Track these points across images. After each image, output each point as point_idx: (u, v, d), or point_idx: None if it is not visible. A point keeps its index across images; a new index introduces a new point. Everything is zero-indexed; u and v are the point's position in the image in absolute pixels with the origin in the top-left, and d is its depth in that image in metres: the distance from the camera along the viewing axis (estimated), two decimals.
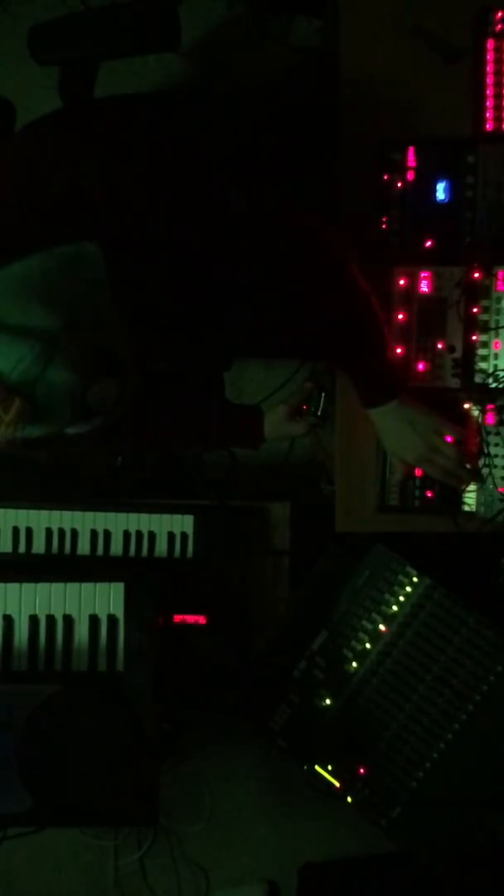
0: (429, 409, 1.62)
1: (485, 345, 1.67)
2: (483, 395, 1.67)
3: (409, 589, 1.72)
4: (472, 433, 1.66)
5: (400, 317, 1.68)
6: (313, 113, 2.01)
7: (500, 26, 1.63)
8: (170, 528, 1.89)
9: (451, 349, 1.68)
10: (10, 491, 2.26)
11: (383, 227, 1.68)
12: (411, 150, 1.66)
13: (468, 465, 1.65)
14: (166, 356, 1.35)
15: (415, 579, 1.72)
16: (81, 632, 1.69)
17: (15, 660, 1.69)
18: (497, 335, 1.66)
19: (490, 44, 1.64)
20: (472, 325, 1.67)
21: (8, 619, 1.70)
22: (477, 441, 1.66)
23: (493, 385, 1.66)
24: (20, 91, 1.88)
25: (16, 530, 1.89)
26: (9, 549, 1.89)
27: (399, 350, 1.71)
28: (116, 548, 1.89)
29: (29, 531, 1.90)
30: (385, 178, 1.67)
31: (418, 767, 1.70)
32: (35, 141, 1.44)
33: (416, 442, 1.62)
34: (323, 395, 1.75)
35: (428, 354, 1.70)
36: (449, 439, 1.63)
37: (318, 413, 1.77)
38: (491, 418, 1.67)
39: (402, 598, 1.73)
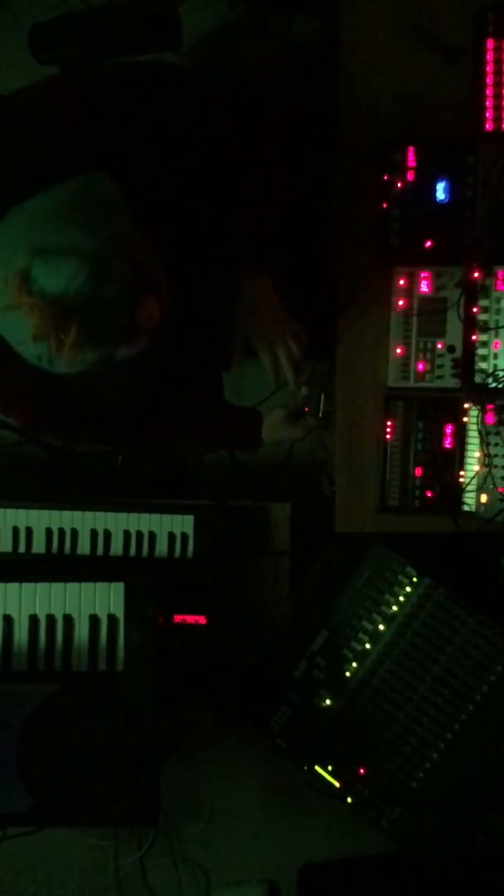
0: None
1: (485, 345, 1.67)
2: (483, 395, 1.67)
3: (409, 589, 1.72)
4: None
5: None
6: (313, 113, 2.01)
7: (500, 26, 1.63)
8: (170, 528, 1.88)
9: (451, 349, 1.68)
10: (10, 491, 2.26)
11: (383, 227, 1.68)
12: (411, 150, 1.66)
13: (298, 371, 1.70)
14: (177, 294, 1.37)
15: (415, 579, 1.72)
16: (81, 632, 1.69)
17: (15, 660, 1.69)
18: (497, 335, 1.66)
19: (490, 44, 1.64)
20: (472, 325, 1.67)
21: (8, 619, 1.70)
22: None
23: (493, 385, 1.66)
24: None
25: (16, 530, 1.89)
26: (9, 549, 1.89)
27: (399, 350, 1.71)
28: (116, 548, 1.88)
29: (29, 531, 1.89)
30: (385, 178, 1.67)
31: (418, 767, 1.71)
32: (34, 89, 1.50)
33: (273, 325, 1.67)
34: (322, 396, 1.75)
35: (428, 354, 1.70)
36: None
37: (319, 414, 1.76)
38: (491, 418, 1.67)
39: (402, 599, 1.73)
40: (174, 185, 1.48)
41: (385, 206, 1.67)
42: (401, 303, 1.68)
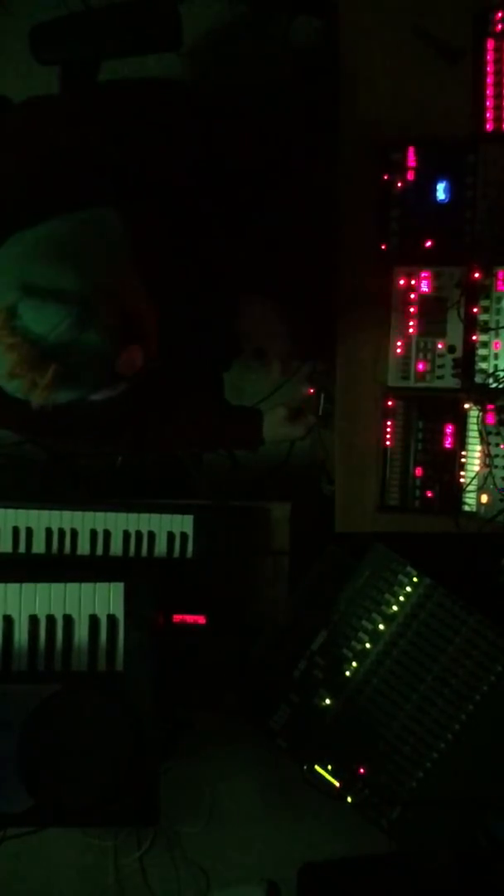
0: None
1: (485, 345, 1.67)
2: (483, 395, 1.67)
3: (409, 589, 1.72)
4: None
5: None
6: (313, 113, 2.01)
7: (500, 26, 1.63)
8: (170, 528, 1.88)
9: (451, 349, 1.68)
10: (10, 491, 2.26)
11: (383, 227, 1.68)
12: (411, 150, 1.66)
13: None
14: (177, 334, 1.36)
15: (415, 579, 1.72)
16: (81, 632, 1.69)
17: (15, 660, 1.69)
18: (497, 335, 1.66)
19: (490, 44, 1.64)
20: (472, 325, 1.67)
21: (8, 619, 1.70)
22: None
23: (493, 385, 1.66)
24: (21, 90, 1.87)
25: (16, 530, 1.89)
26: (9, 549, 1.89)
27: (399, 350, 1.71)
28: (116, 548, 1.89)
29: (29, 531, 1.89)
30: (385, 178, 1.67)
31: (418, 767, 1.70)
32: (42, 107, 1.50)
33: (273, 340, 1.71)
34: (323, 395, 1.75)
35: (428, 354, 1.70)
36: None
37: (319, 413, 1.76)
38: (491, 418, 1.67)
39: (402, 598, 1.73)
40: (178, 209, 1.46)
41: (385, 206, 1.67)
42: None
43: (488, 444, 1.67)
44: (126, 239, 1.25)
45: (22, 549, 1.89)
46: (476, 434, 1.69)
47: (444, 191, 1.66)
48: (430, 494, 1.72)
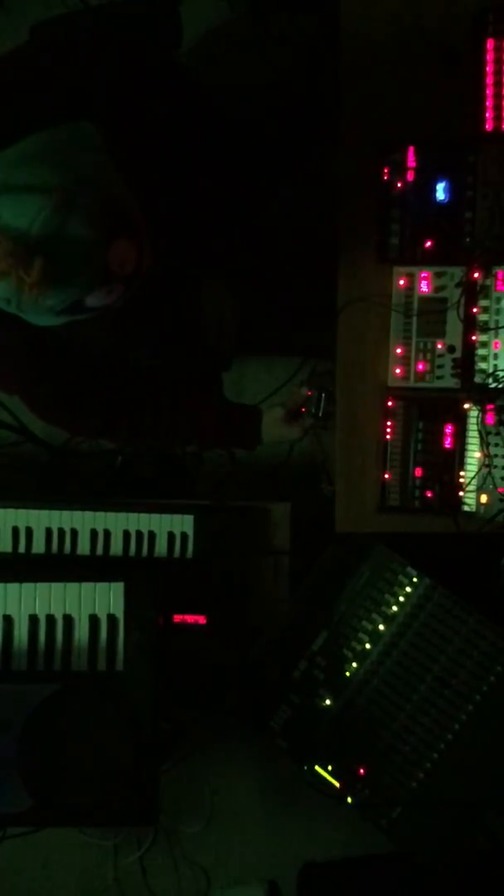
0: None
1: (485, 345, 1.67)
2: (483, 395, 1.67)
3: (409, 589, 1.72)
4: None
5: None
6: (313, 113, 2.01)
7: (500, 26, 1.63)
8: (170, 528, 1.88)
9: (451, 349, 1.68)
10: (10, 491, 2.26)
11: (383, 226, 1.68)
12: (411, 150, 1.66)
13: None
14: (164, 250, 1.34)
15: (415, 579, 1.72)
16: (81, 632, 1.69)
17: (15, 660, 1.69)
18: (497, 335, 1.66)
19: (490, 44, 1.64)
20: (472, 325, 1.67)
21: (8, 619, 1.70)
22: None
23: (493, 385, 1.66)
24: None
25: (16, 530, 1.89)
26: (9, 549, 1.89)
27: (399, 350, 1.71)
28: (116, 548, 1.88)
29: (29, 531, 1.89)
30: (385, 177, 1.67)
31: (418, 767, 1.70)
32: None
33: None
34: (323, 395, 1.75)
35: (428, 354, 1.70)
36: None
37: (319, 414, 1.76)
38: (491, 418, 1.67)
39: (402, 599, 1.73)
40: (164, 155, 1.45)
41: (385, 206, 1.67)
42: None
43: (488, 444, 1.67)
44: (105, 149, 1.23)
45: (22, 549, 1.89)
46: (476, 434, 1.69)
47: (444, 191, 1.66)
48: (430, 494, 1.72)
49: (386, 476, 1.72)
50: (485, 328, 1.66)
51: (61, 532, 1.89)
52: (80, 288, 1.19)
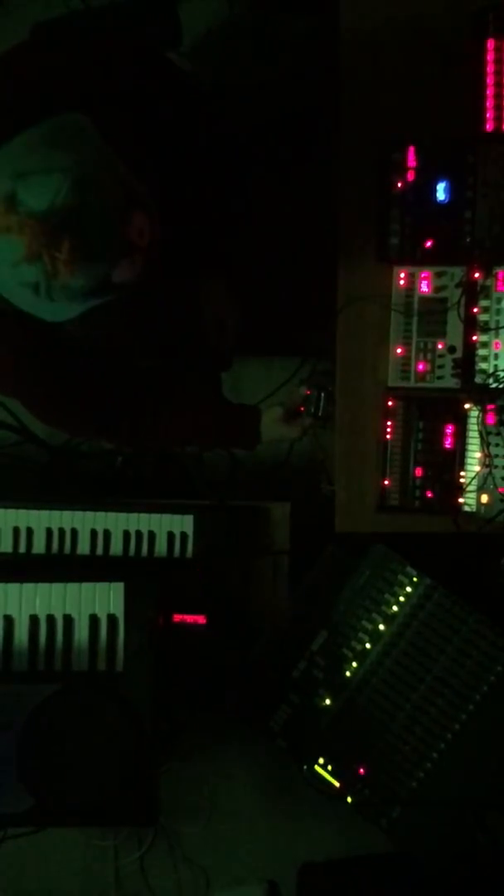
0: None
1: (485, 345, 1.67)
2: (483, 395, 1.67)
3: (409, 589, 1.72)
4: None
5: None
6: (313, 113, 2.01)
7: (500, 26, 1.63)
8: (170, 528, 1.88)
9: (451, 349, 1.68)
10: (10, 491, 2.26)
11: (383, 226, 1.68)
12: (411, 150, 1.66)
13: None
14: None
15: (415, 579, 1.72)
16: (81, 632, 1.69)
17: (15, 660, 1.69)
18: (497, 335, 1.66)
19: (490, 44, 1.64)
20: (472, 325, 1.67)
21: (8, 619, 1.70)
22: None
23: (494, 385, 1.66)
24: None
25: (16, 530, 1.89)
26: (9, 549, 1.89)
27: (399, 350, 1.71)
28: (116, 548, 1.88)
29: (29, 531, 1.89)
30: (385, 177, 1.67)
31: (418, 767, 1.70)
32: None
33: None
34: (323, 395, 1.75)
35: (428, 354, 1.70)
36: None
37: (319, 414, 1.76)
38: (491, 418, 1.67)
39: (402, 599, 1.73)
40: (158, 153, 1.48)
41: (385, 206, 1.67)
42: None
43: (488, 444, 1.67)
44: (103, 141, 1.27)
45: (22, 549, 1.89)
46: (476, 434, 1.69)
47: (444, 191, 1.66)
48: (430, 494, 1.72)
49: (385, 482, 1.73)
50: (485, 328, 1.66)
51: (62, 532, 1.89)
52: (108, 262, 1.23)
